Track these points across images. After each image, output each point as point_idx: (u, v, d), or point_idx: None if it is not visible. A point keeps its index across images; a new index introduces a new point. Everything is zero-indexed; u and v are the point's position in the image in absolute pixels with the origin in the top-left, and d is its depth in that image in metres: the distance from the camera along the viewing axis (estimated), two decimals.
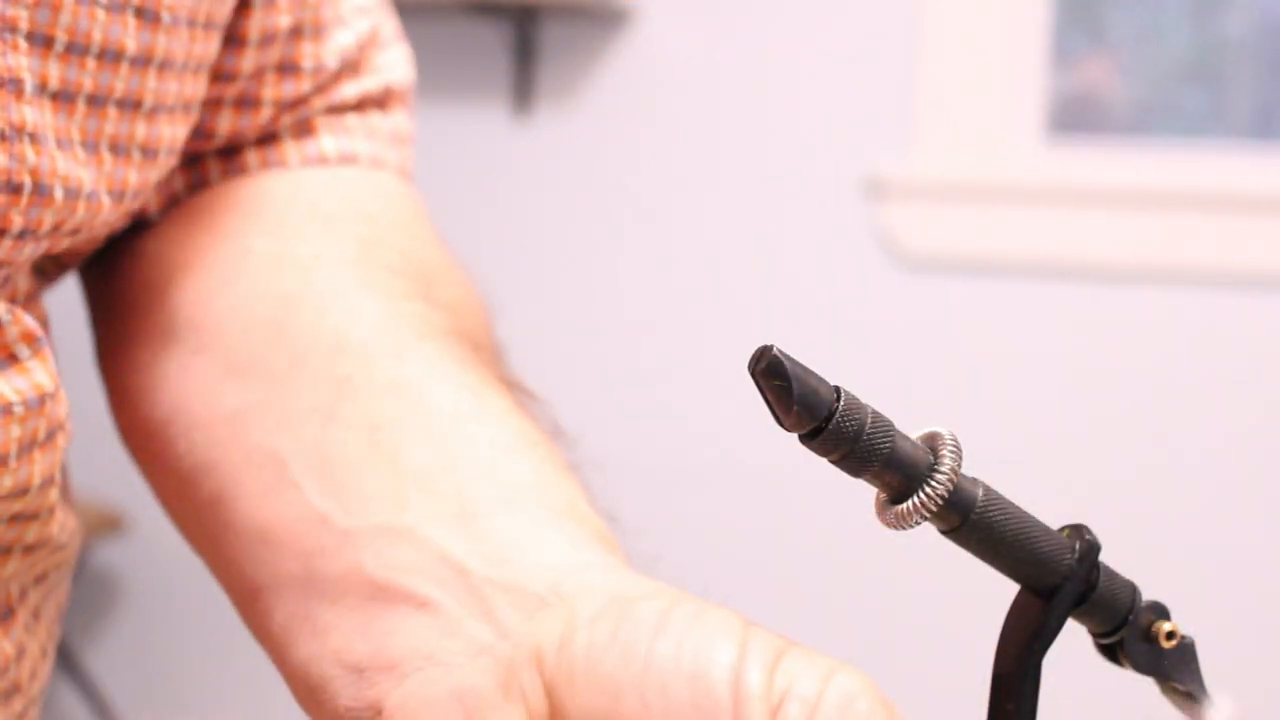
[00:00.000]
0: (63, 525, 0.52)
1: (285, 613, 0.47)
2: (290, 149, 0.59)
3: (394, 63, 0.63)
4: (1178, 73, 2.43)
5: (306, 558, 0.46)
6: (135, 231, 0.58)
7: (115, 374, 0.57)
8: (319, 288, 0.52)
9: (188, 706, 2.64)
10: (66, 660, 2.57)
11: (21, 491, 0.47)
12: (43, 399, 0.47)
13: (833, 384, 0.36)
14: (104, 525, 2.40)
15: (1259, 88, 2.38)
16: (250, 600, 0.49)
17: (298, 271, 0.53)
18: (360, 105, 0.62)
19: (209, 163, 0.59)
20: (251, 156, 0.59)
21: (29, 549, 0.50)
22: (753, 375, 0.35)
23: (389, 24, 0.64)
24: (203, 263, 0.55)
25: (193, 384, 0.52)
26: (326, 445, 0.48)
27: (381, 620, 0.44)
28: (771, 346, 0.35)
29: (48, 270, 0.55)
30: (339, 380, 0.49)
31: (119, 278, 0.58)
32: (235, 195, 0.58)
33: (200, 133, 0.57)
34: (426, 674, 0.42)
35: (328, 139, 0.60)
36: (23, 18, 0.44)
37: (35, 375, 0.47)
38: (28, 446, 0.47)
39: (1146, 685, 0.43)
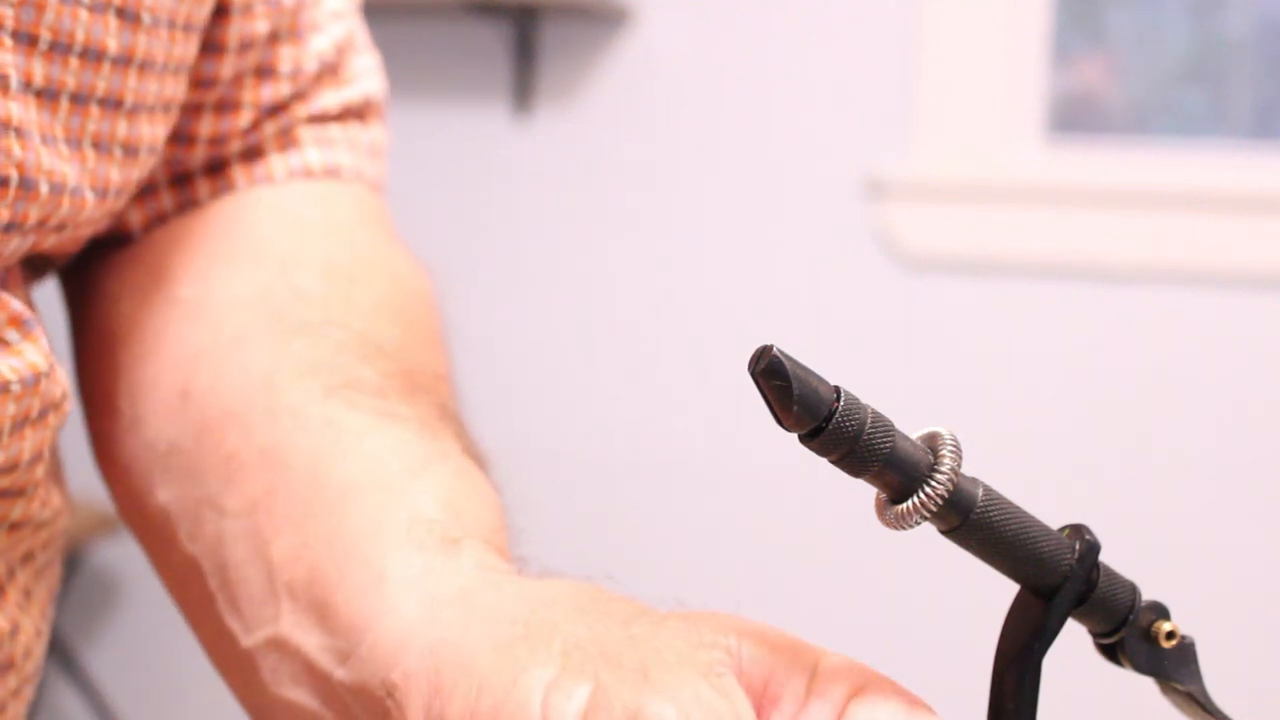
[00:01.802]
0: (44, 503, 0.53)
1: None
2: (276, 162, 0.61)
3: (369, 71, 0.65)
4: (1177, 73, 2.43)
5: (236, 676, 0.50)
6: (106, 256, 0.60)
7: (87, 414, 0.60)
8: (222, 342, 0.54)
9: (188, 707, 2.64)
10: (66, 660, 2.57)
11: (11, 467, 0.49)
12: (37, 378, 0.48)
13: (833, 384, 0.36)
14: (104, 525, 2.40)
15: (1259, 88, 2.38)
16: (245, 708, 0.53)
17: (208, 325, 0.55)
18: (342, 116, 0.63)
19: (198, 182, 0.60)
20: (239, 173, 0.60)
21: (14, 526, 0.51)
22: (753, 375, 0.35)
23: (361, 31, 0.65)
24: (137, 320, 0.57)
25: (130, 474, 0.55)
26: (221, 547, 0.50)
27: None
28: (771, 346, 0.35)
29: (35, 266, 0.56)
30: (226, 459, 0.51)
31: (86, 311, 0.60)
32: (199, 222, 0.59)
33: (182, 137, 0.59)
34: None
35: (313, 151, 0.61)
36: (8, 16, 0.45)
37: (28, 355, 0.48)
38: (20, 423, 0.48)
39: (1146, 685, 0.43)
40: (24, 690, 0.54)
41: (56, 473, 0.56)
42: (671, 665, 0.39)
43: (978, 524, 0.38)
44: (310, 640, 0.46)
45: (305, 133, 0.61)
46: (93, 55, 0.48)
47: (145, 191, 0.59)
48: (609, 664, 0.39)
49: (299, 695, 0.47)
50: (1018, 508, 0.39)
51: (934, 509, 0.37)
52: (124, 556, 2.65)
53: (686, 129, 2.39)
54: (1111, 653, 0.41)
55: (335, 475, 0.49)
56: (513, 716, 0.38)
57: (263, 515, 0.49)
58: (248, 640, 0.48)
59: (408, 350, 0.56)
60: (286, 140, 0.61)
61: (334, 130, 0.62)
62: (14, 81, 0.45)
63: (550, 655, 0.39)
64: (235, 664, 0.50)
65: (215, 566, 0.50)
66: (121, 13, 0.49)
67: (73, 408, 0.53)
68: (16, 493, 0.50)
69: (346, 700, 0.45)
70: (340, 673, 0.45)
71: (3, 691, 0.52)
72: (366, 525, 0.47)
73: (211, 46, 0.57)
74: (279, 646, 0.47)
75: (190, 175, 0.60)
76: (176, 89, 0.54)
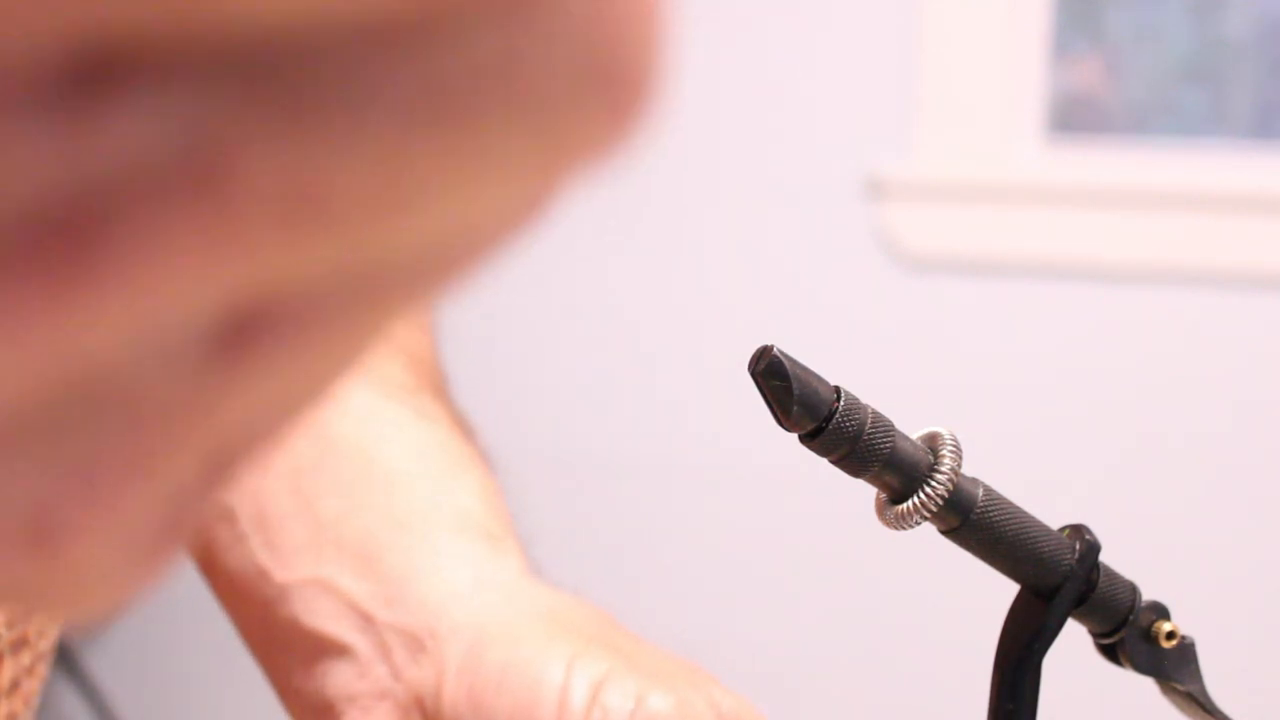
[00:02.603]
0: None
1: (262, 653, 0.54)
2: None
3: None
4: (1177, 73, 2.43)
5: (262, 608, 0.53)
6: None
7: None
8: None
9: (189, 707, 2.64)
10: (66, 660, 2.57)
11: None
12: None
13: (833, 384, 0.36)
14: None
15: (1259, 88, 2.38)
16: (244, 635, 0.56)
17: None
18: None
19: None
20: None
21: None
22: (753, 375, 0.35)
23: None
24: None
25: None
26: (260, 495, 0.53)
27: (319, 666, 0.51)
28: (771, 346, 0.35)
29: None
30: None
31: None
32: None
33: None
34: (350, 717, 0.50)
35: None
36: None
37: None
38: None
39: (1146, 685, 0.43)
40: (38, 667, 0.55)
41: None
42: (672, 674, 0.47)
43: (978, 524, 0.38)
44: (357, 586, 0.50)
45: None
46: None
47: None
48: (624, 658, 0.47)
49: (337, 629, 0.50)
50: (1018, 508, 0.39)
51: (934, 509, 0.37)
52: None
53: (686, 129, 2.39)
54: (1111, 653, 0.41)
55: (383, 459, 0.53)
56: (540, 672, 0.46)
57: (308, 478, 0.53)
58: (285, 575, 0.52)
59: (411, 340, 0.60)
60: None
61: None
62: None
63: (579, 638, 0.47)
64: (258, 596, 0.53)
65: (254, 512, 0.53)
66: None
67: None
68: None
69: (386, 636, 0.50)
70: (385, 613, 0.50)
71: (16, 669, 0.53)
72: (418, 506, 0.52)
73: None
74: (321, 585, 0.51)
75: None
76: None
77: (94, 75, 0.12)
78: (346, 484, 0.52)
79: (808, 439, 0.36)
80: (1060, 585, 0.39)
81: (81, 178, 0.12)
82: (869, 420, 0.36)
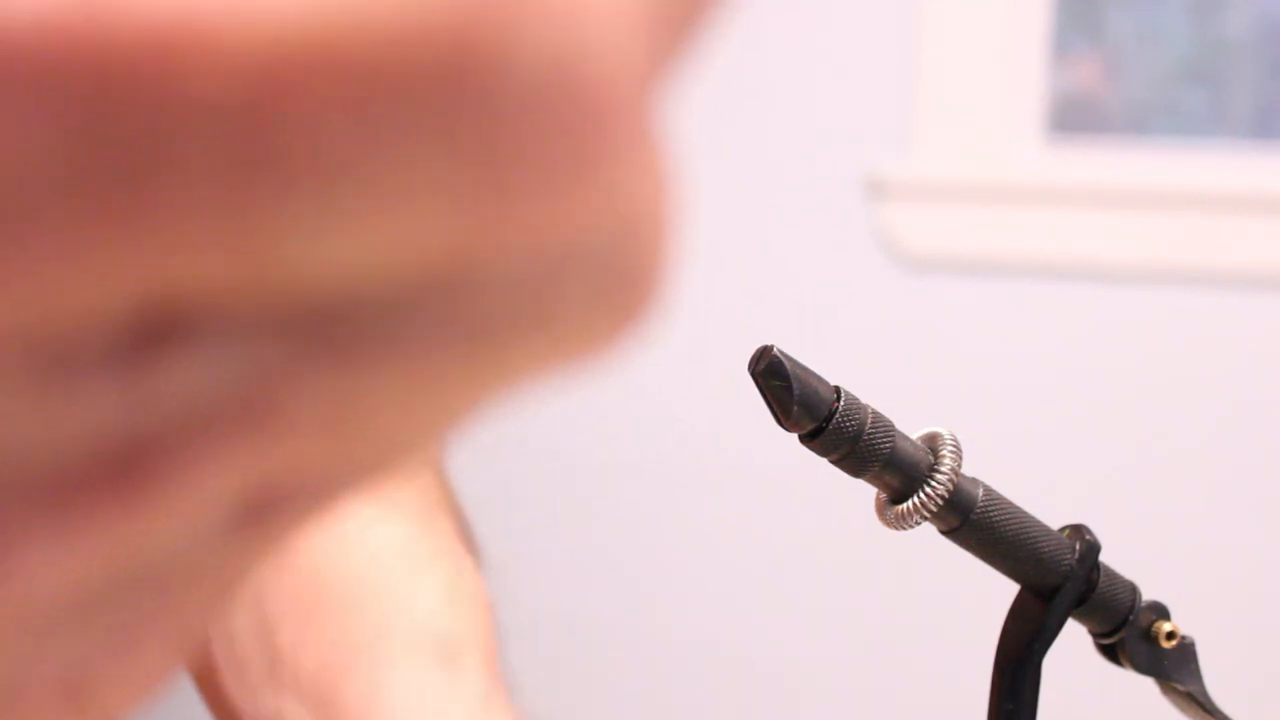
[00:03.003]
0: None
1: None
2: None
3: None
4: (1177, 73, 2.43)
5: None
6: None
7: None
8: None
9: (189, 706, 2.64)
10: None
11: None
12: None
13: (833, 384, 0.36)
14: None
15: (1259, 88, 2.38)
16: None
17: None
18: None
19: None
20: None
21: None
22: (753, 375, 0.35)
23: None
24: None
25: None
26: (231, 630, 0.53)
27: None
28: (771, 346, 0.35)
29: None
30: None
31: None
32: None
33: None
34: None
35: None
36: None
37: None
38: None
39: (1146, 685, 0.43)
40: None
41: None
42: None
43: (978, 524, 0.38)
44: None
45: None
46: None
47: None
48: None
49: None
50: (1018, 508, 0.39)
51: (934, 509, 0.37)
52: None
53: (686, 128, 2.39)
54: (1111, 653, 0.41)
55: (340, 571, 0.52)
56: None
57: (269, 601, 0.52)
58: (252, 709, 0.52)
59: None
60: None
61: None
62: None
63: None
64: None
65: (221, 641, 0.53)
66: None
67: None
68: None
69: None
70: None
71: None
72: (371, 629, 0.51)
73: None
74: None
75: None
76: None
77: (157, 332, 0.13)
78: (302, 607, 0.52)
79: (808, 439, 0.36)
80: (1060, 585, 0.39)
81: (141, 418, 0.13)
82: (869, 420, 0.36)
